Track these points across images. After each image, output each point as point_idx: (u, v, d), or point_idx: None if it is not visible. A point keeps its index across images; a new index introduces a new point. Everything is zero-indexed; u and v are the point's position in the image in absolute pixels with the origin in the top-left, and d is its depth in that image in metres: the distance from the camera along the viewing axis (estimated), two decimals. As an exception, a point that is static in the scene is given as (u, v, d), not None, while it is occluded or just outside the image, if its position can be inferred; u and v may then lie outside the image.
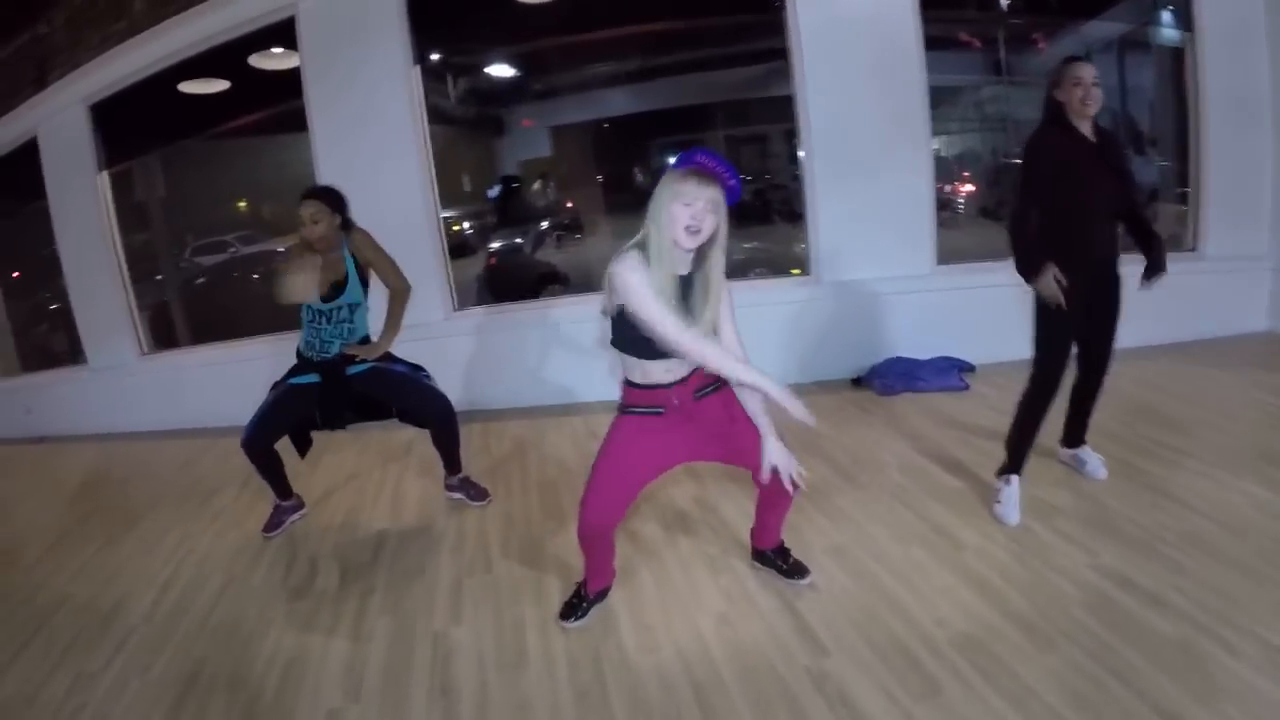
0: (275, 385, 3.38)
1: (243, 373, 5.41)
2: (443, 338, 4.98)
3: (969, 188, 7.16)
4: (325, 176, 4.81)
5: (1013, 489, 2.85)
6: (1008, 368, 4.50)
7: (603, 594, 2.52)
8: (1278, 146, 5.03)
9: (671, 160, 2.03)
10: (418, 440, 4.19)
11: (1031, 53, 6.44)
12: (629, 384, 2.22)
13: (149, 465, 5.10)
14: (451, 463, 3.57)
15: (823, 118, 4.61)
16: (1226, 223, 5.03)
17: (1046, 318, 2.78)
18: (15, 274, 7.64)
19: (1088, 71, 2.61)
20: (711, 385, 2.20)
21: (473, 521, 3.41)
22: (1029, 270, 2.71)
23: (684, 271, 2.05)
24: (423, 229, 4.95)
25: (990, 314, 4.60)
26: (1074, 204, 2.68)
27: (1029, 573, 2.44)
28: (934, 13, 4.64)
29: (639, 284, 1.91)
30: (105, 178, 5.80)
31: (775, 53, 4.76)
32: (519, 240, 6.98)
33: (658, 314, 1.91)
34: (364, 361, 3.27)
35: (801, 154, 4.77)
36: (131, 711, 2.32)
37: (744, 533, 2.78)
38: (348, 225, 3.22)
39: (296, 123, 5.21)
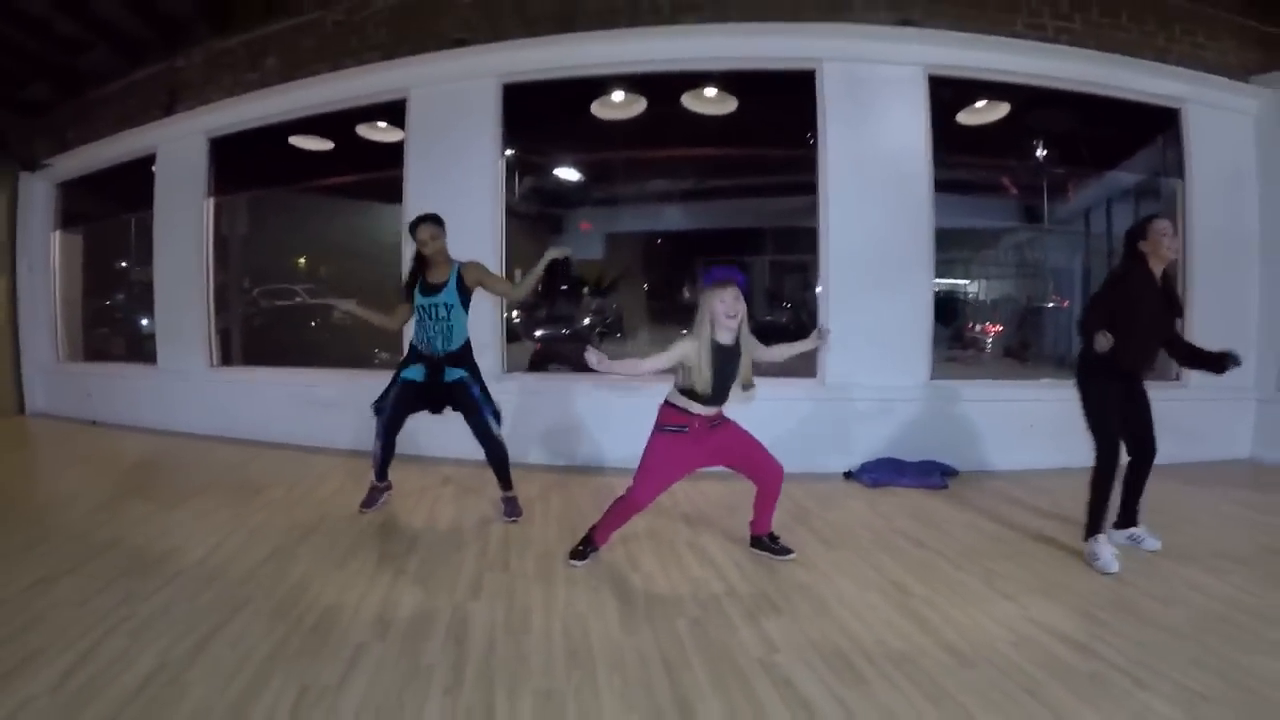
0: (394, 377, 4.16)
1: (297, 397, 6.06)
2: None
3: (998, 328, 7.76)
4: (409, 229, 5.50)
5: (1102, 545, 3.38)
6: (988, 475, 4.98)
7: (597, 548, 3.47)
8: (1265, 283, 5.70)
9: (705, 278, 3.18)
10: (456, 473, 4.89)
11: (1060, 201, 7.16)
12: (671, 406, 3.24)
13: (202, 460, 5.62)
14: (501, 482, 4.22)
15: (841, 244, 5.26)
16: None
17: (1096, 409, 3.49)
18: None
19: (1170, 227, 3.41)
20: (721, 419, 3.32)
21: (498, 535, 3.89)
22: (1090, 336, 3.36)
23: (729, 342, 3.15)
24: (487, 304, 5.46)
25: (975, 427, 5.13)
26: (1139, 327, 3.39)
27: (966, 617, 2.85)
28: (963, 159, 5.38)
29: (676, 348, 3.11)
30: (212, 204, 6.58)
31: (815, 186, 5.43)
32: (565, 331, 7.48)
33: (659, 357, 3.10)
34: (459, 370, 4.05)
35: (821, 274, 5.39)
36: (177, 625, 2.75)
37: (722, 561, 3.38)
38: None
39: (377, 192, 5.97)
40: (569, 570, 3.37)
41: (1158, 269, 3.43)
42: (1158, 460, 3.61)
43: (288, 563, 3.43)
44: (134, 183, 7.39)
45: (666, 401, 3.28)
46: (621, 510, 3.34)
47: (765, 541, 3.57)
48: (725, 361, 3.14)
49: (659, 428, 3.29)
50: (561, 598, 3.03)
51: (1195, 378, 5.48)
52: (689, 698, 2.27)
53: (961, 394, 5.26)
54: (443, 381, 4.03)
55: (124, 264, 8.61)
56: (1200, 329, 5.39)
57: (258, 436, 6.11)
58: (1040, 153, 6.39)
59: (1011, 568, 3.40)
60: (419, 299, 4.02)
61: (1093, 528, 3.44)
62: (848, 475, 5.10)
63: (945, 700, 2.25)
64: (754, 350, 3.27)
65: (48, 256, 7.97)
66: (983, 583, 3.22)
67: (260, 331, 7.90)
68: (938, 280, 6.78)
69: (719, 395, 3.22)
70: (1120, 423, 3.51)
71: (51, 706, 2.19)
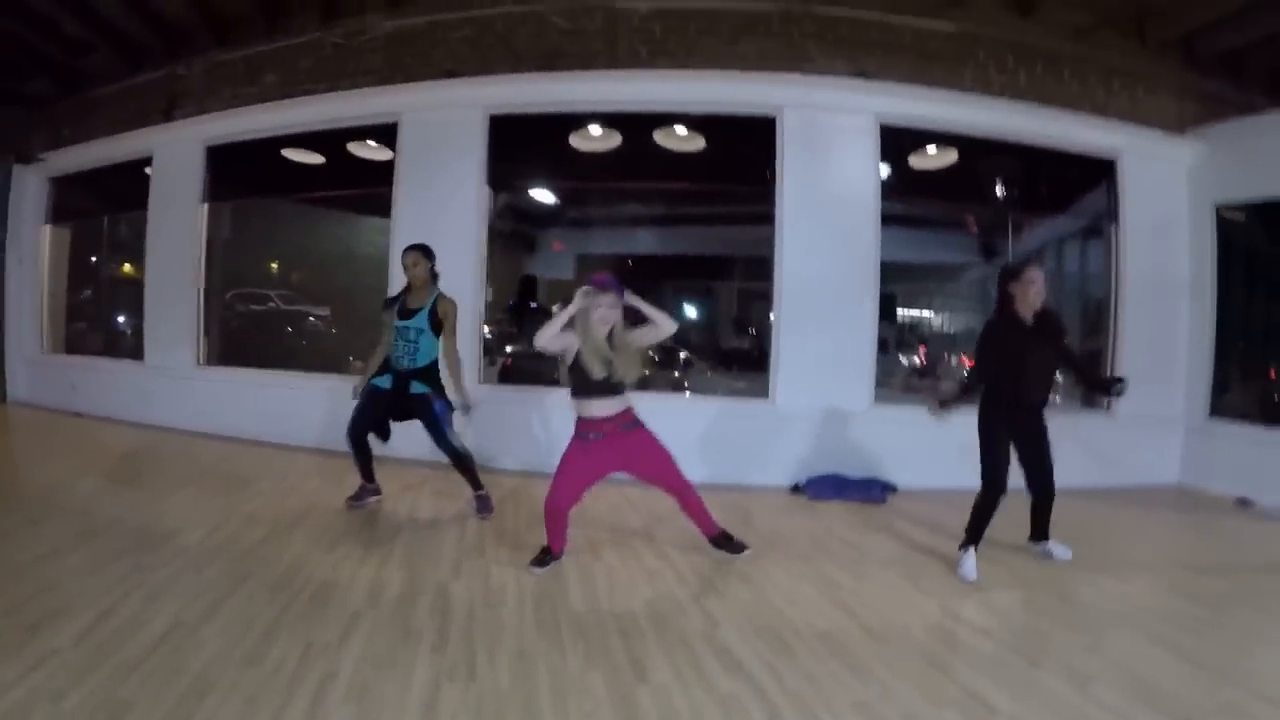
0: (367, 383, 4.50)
1: (282, 398, 6.40)
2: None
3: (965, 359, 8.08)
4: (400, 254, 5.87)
5: (968, 557, 3.77)
6: (926, 492, 5.45)
7: (558, 556, 3.64)
8: (1193, 320, 6.26)
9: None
10: (431, 476, 5.30)
11: (1018, 239, 7.61)
12: (578, 418, 3.54)
13: (189, 453, 5.92)
14: (471, 484, 4.60)
15: (793, 276, 5.74)
16: (1139, 386, 6.02)
17: (985, 440, 3.86)
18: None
19: (1040, 275, 3.81)
20: (633, 423, 3.59)
21: (474, 528, 4.30)
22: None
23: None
24: (468, 318, 5.64)
25: (915, 447, 5.61)
26: (1013, 366, 3.81)
27: (887, 606, 3.31)
28: (917, 199, 6.04)
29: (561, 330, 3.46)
30: (206, 209, 6.90)
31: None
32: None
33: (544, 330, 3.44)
34: (423, 385, 4.39)
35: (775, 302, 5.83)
36: (188, 592, 3.11)
37: (674, 557, 3.82)
38: (435, 276, 4.48)
39: (356, 204, 6.30)
40: (534, 546, 3.78)
41: (1026, 311, 3.82)
42: (1094, 482, 4.05)
43: (282, 545, 3.79)
44: (126, 183, 7.65)
45: (576, 414, 3.60)
46: (550, 515, 3.58)
47: (720, 542, 3.86)
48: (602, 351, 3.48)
49: (575, 435, 3.60)
50: (533, 585, 3.43)
51: (1123, 407, 6.03)
52: (642, 659, 2.70)
53: (902, 417, 5.76)
54: (408, 392, 4.39)
55: (111, 261, 8.84)
56: (1130, 362, 5.95)
57: (242, 434, 6.40)
58: (991, 196, 6.88)
59: (935, 570, 3.85)
60: (397, 320, 4.42)
61: (966, 541, 3.85)
62: (795, 488, 5.55)
63: (862, 670, 2.69)
64: (631, 341, 3.56)
65: (37, 249, 8.17)
66: (906, 581, 3.68)
67: (235, 334, 8.09)
68: (902, 312, 7.29)
69: (605, 385, 3.48)
70: (1019, 456, 3.92)
71: (76, 656, 2.51)
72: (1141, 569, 4.00)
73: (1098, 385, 4.09)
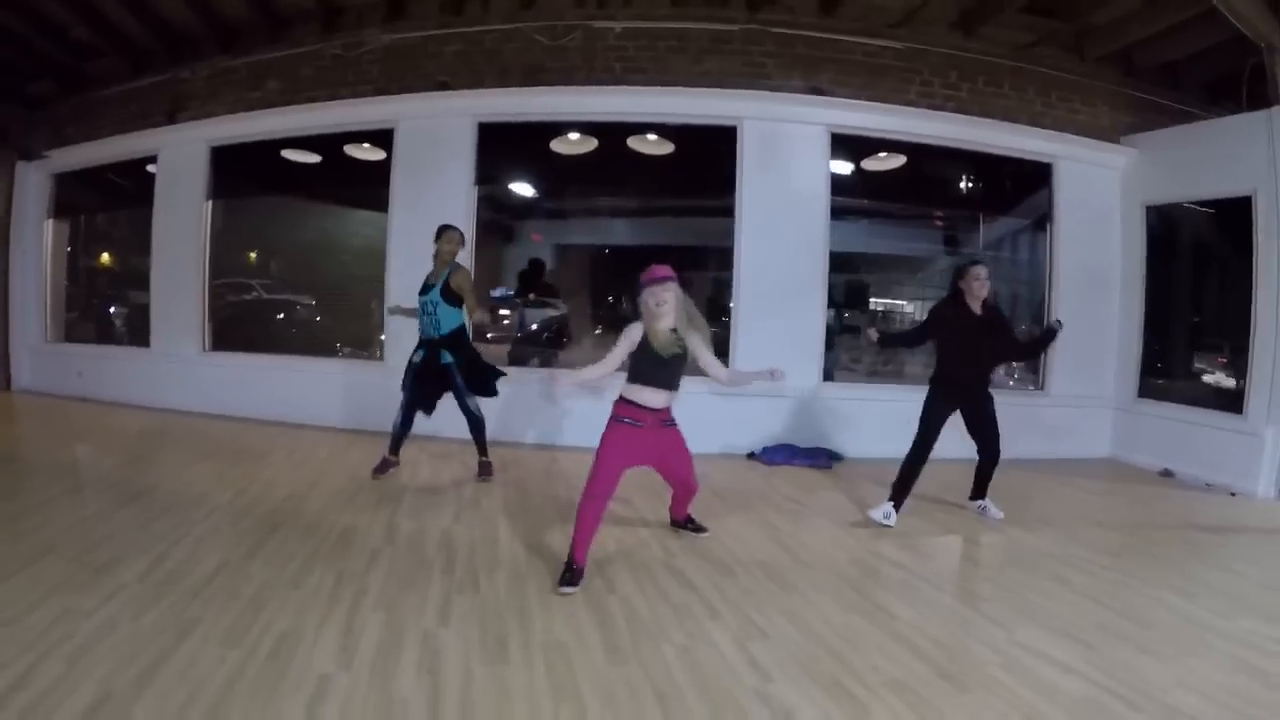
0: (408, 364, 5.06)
1: (285, 380, 6.95)
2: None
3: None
4: (396, 248, 6.55)
5: (886, 506, 4.43)
6: (869, 460, 6.13)
7: (582, 571, 3.32)
8: (1123, 311, 6.99)
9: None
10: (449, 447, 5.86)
11: (974, 233, 8.11)
12: (623, 400, 3.50)
13: (201, 432, 6.44)
14: (479, 449, 5.17)
15: (751, 267, 6.39)
16: (1073, 369, 6.89)
17: (926, 410, 4.48)
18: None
19: (984, 272, 4.41)
20: (671, 420, 3.63)
21: (469, 487, 4.96)
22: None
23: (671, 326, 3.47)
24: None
25: (859, 420, 6.33)
26: (959, 349, 4.46)
27: (819, 544, 4.01)
28: (870, 199, 6.81)
29: (623, 337, 3.50)
30: (210, 206, 7.39)
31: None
32: (517, 334, 8.10)
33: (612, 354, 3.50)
34: (450, 355, 4.96)
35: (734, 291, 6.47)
36: (225, 540, 3.66)
37: (640, 505, 4.32)
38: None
39: (344, 199, 6.96)
40: (524, 501, 4.44)
41: (974, 304, 4.49)
42: (1028, 454, 4.65)
43: (304, 503, 4.38)
44: (129, 180, 8.11)
45: (620, 396, 3.55)
46: (586, 509, 3.36)
47: (683, 524, 4.17)
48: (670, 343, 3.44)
49: (614, 419, 3.51)
50: (521, 529, 4.07)
51: (1056, 386, 6.82)
52: (613, 578, 3.35)
53: (847, 394, 6.49)
54: (439, 363, 4.94)
55: (114, 254, 9.25)
56: (1066, 348, 6.62)
57: (248, 414, 6.93)
58: (941, 196, 7.58)
59: (863, 520, 4.51)
60: (419, 296, 4.98)
61: (892, 495, 4.47)
62: (750, 455, 6.23)
63: (790, 588, 3.36)
64: (698, 347, 3.53)
65: (40, 243, 8.59)
66: (839, 528, 4.38)
67: (226, 321, 8.33)
68: (876, 300, 7.94)
69: (669, 377, 3.49)
70: (969, 426, 4.59)
71: (143, 589, 3.03)
72: (1054, 524, 4.65)
73: (1042, 343, 4.83)
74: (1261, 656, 2.87)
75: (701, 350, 3.56)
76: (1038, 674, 2.64)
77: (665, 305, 3.43)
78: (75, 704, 2.15)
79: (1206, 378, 6.90)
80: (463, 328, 5.05)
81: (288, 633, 2.69)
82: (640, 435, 3.49)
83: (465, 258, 6.40)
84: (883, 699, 2.43)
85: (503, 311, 8.14)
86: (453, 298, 4.92)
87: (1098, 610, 3.28)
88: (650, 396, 3.49)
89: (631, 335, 3.48)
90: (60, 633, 2.58)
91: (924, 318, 4.71)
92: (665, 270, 3.52)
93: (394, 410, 5.07)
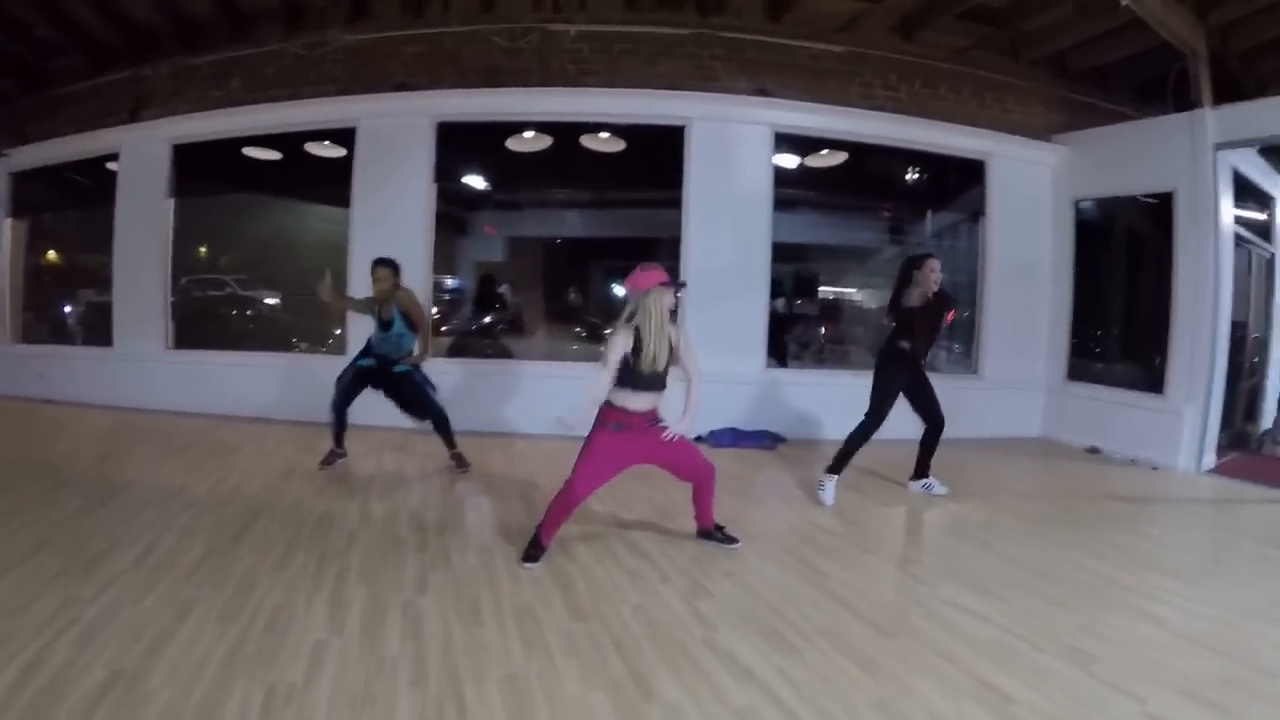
0: (351, 364, 5.26)
1: (248, 375, 7.12)
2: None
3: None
4: (358, 244, 6.70)
5: (831, 484, 4.70)
6: (812, 442, 6.55)
7: (547, 549, 3.56)
8: (1053, 300, 7.46)
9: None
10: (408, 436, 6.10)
11: (920, 225, 8.45)
12: (610, 406, 3.51)
13: (170, 429, 6.55)
14: (447, 444, 5.39)
15: (698, 259, 6.72)
16: (1005, 354, 7.36)
17: (880, 389, 4.77)
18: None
19: (938, 264, 4.71)
20: (658, 419, 3.61)
21: (432, 474, 5.23)
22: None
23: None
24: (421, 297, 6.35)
25: (800, 405, 6.74)
26: (919, 331, 4.75)
27: (761, 517, 4.40)
28: (813, 192, 7.19)
29: (615, 344, 3.41)
30: (173, 204, 7.47)
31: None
32: (472, 326, 8.38)
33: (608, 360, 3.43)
34: (403, 364, 5.19)
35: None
36: (209, 529, 3.86)
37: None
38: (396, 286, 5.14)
39: (304, 194, 7.33)
40: (488, 485, 4.76)
41: (929, 291, 4.75)
42: (963, 434, 4.85)
43: (279, 492, 4.62)
44: (89, 179, 8.09)
45: (608, 402, 3.52)
46: (561, 504, 3.51)
47: (712, 533, 3.90)
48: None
49: (600, 424, 3.52)
50: (487, 503, 4.39)
51: (989, 370, 7.30)
52: (569, 541, 3.69)
53: (789, 379, 6.94)
54: (392, 371, 5.19)
55: (73, 254, 9.20)
56: (998, 334, 7.18)
57: (214, 410, 7.04)
58: (882, 190, 7.96)
59: (804, 497, 4.90)
60: (378, 332, 5.17)
61: (831, 469, 4.74)
62: (698, 439, 6.53)
63: (735, 557, 3.74)
64: (685, 348, 3.58)
65: (-2, 243, 8.52)
66: (779, 502, 4.79)
67: (192, 317, 8.35)
68: (825, 289, 8.28)
69: (658, 380, 3.49)
70: (911, 402, 4.90)
71: (137, 576, 3.22)
72: (981, 495, 5.06)
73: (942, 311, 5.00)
74: (1160, 605, 3.26)
75: (686, 350, 3.59)
76: (955, 622, 3.03)
77: (671, 310, 3.48)
78: (89, 681, 2.33)
79: (1129, 361, 7.35)
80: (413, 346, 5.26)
81: (281, 607, 2.96)
82: (627, 439, 3.52)
83: (423, 251, 6.73)
84: (815, 643, 2.81)
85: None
86: (411, 323, 5.15)
87: (1013, 569, 3.67)
88: (639, 402, 3.51)
89: (623, 341, 3.40)
90: (66, 619, 2.75)
91: (908, 312, 4.84)
92: (662, 271, 3.51)
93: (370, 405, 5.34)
